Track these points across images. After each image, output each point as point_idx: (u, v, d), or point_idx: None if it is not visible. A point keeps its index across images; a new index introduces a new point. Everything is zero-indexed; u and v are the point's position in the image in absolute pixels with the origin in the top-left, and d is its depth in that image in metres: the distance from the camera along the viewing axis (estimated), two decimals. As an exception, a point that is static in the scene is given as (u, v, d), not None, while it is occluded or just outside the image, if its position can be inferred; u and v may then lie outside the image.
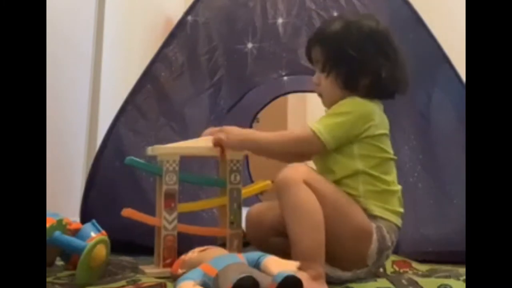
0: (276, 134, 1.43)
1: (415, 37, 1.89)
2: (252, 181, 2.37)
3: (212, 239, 1.60)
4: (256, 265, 1.23)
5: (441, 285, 1.28)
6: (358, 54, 1.41)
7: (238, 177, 1.58)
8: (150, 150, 1.57)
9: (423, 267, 1.56)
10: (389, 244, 1.37)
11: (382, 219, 1.37)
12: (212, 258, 1.24)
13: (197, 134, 1.62)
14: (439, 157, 1.85)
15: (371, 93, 1.42)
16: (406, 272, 1.53)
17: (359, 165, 1.38)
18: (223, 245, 1.55)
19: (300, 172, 1.31)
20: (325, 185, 1.34)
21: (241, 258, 1.24)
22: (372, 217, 1.36)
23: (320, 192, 1.30)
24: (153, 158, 1.59)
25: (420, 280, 1.32)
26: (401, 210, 1.41)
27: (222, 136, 1.49)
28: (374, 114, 1.40)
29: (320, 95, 1.50)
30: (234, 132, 1.49)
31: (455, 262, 1.56)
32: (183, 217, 1.54)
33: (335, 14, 1.96)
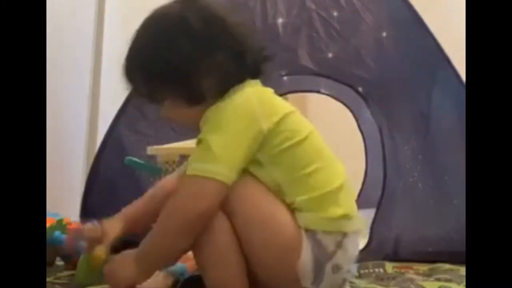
0: (158, 221, 1.07)
1: (415, 37, 1.88)
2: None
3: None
4: None
5: (440, 286, 1.29)
6: (179, 57, 1.09)
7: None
8: (150, 150, 1.56)
9: (423, 267, 1.57)
10: (332, 249, 1.04)
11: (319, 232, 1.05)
12: None
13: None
14: (439, 157, 1.84)
15: (225, 89, 1.11)
16: (407, 272, 1.53)
17: (275, 174, 1.07)
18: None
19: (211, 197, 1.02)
20: (241, 199, 1.04)
21: None
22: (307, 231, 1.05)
23: (235, 211, 1.03)
24: (154, 157, 1.59)
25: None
26: (348, 210, 1.08)
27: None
28: (258, 106, 1.08)
29: (179, 124, 1.26)
30: (120, 270, 1.10)
31: (455, 262, 1.56)
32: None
33: (335, 14, 1.96)
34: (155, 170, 1.55)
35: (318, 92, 2.26)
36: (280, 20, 2.02)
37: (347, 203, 1.09)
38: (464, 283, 1.28)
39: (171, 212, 1.05)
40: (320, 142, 1.14)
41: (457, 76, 1.83)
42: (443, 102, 1.86)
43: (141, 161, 1.57)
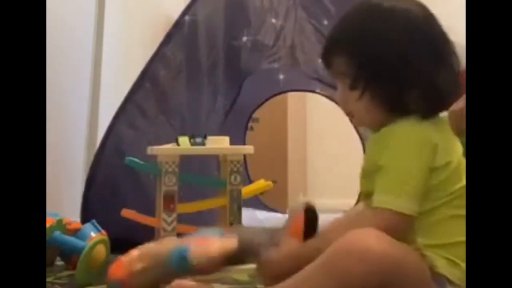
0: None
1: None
2: (250, 181, 2.37)
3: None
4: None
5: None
6: (403, 60, 1.01)
7: (238, 178, 1.58)
8: (150, 150, 1.57)
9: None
10: None
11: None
12: (196, 234, 1.15)
13: (196, 131, 1.62)
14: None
15: (424, 109, 1.03)
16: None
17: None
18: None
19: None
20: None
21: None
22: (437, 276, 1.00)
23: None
24: (154, 156, 1.59)
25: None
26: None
27: None
28: (435, 140, 1.02)
29: (349, 114, 1.11)
30: None
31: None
32: (183, 217, 1.54)
33: (332, 9, 1.97)
34: (155, 171, 1.55)
35: (313, 92, 2.27)
36: (275, 18, 2.04)
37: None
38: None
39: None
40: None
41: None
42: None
43: (141, 162, 1.57)
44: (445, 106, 1.07)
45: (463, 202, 0.94)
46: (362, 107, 1.05)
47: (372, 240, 0.94)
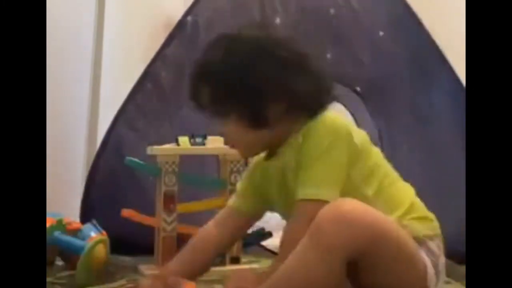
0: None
1: (413, 38, 1.89)
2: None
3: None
4: None
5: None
6: (256, 79, 1.09)
7: (238, 178, 1.58)
8: (150, 150, 1.57)
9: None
10: (438, 252, 1.14)
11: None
12: None
13: (196, 132, 1.62)
14: (438, 157, 1.85)
15: (292, 119, 1.12)
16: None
17: (366, 191, 1.12)
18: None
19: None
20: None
21: None
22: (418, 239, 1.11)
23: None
24: (154, 156, 1.59)
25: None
26: (431, 215, 1.17)
27: None
28: (346, 128, 1.13)
29: (233, 147, 1.19)
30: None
31: (455, 262, 1.56)
32: (183, 218, 1.54)
33: (333, 12, 1.96)
34: (155, 170, 1.55)
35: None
36: (278, 20, 2.03)
37: (425, 208, 1.17)
38: (464, 283, 1.28)
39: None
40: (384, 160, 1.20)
41: (454, 75, 1.84)
42: (441, 101, 1.87)
43: (140, 162, 1.57)
44: (312, 111, 1.12)
45: (385, 169, 1.15)
46: (233, 131, 1.13)
47: (348, 206, 1.01)
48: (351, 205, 1.01)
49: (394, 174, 1.19)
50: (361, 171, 1.12)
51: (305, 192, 1.08)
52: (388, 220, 1.06)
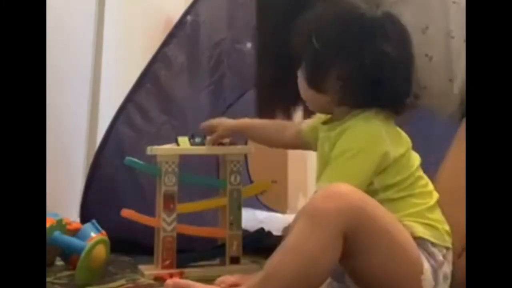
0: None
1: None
2: (251, 181, 2.37)
3: (212, 239, 1.60)
4: None
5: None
6: (322, 45, 1.12)
7: (238, 178, 1.58)
8: (150, 150, 1.56)
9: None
10: (441, 259, 1.11)
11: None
12: None
13: (196, 132, 1.62)
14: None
15: (346, 100, 1.14)
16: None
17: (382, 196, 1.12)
18: (223, 245, 1.55)
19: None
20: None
21: None
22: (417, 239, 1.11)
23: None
24: (154, 156, 1.59)
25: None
26: (446, 226, 1.15)
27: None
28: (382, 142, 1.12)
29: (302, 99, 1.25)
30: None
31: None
32: (183, 217, 1.54)
33: None
34: (154, 171, 1.55)
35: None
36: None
37: (442, 219, 1.15)
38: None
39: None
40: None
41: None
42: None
43: (140, 162, 1.57)
44: (370, 106, 1.14)
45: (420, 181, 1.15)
46: (299, 82, 1.20)
47: (341, 187, 1.04)
48: (345, 187, 1.04)
49: (423, 189, 1.17)
50: (384, 181, 1.12)
51: (320, 186, 1.12)
52: (380, 207, 1.07)
